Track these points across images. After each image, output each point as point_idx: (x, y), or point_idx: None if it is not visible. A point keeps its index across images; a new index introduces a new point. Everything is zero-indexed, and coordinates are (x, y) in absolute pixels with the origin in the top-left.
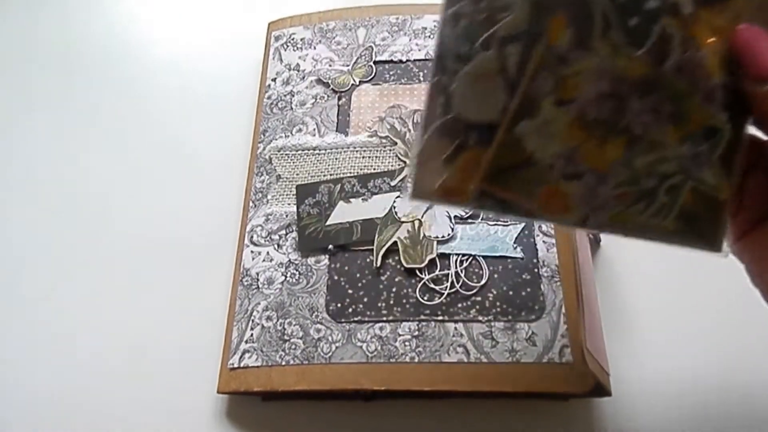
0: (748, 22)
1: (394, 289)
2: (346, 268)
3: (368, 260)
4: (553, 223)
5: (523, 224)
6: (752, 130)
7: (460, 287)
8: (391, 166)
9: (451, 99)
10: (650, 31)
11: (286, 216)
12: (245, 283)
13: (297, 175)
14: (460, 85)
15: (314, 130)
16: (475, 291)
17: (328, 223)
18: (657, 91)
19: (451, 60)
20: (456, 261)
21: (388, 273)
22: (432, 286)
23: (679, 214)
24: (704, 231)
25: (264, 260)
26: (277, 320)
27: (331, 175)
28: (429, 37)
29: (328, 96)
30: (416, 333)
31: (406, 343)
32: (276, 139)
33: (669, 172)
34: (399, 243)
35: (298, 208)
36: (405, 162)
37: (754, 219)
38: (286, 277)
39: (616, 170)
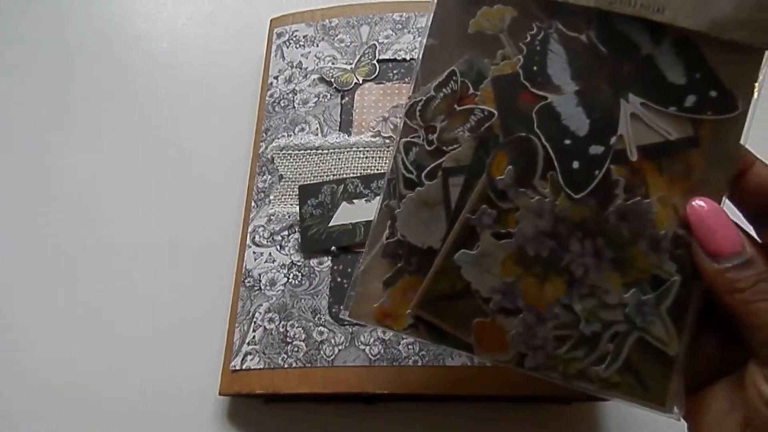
0: (700, 174)
1: None
2: (349, 270)
3: None
4: (489, 361)
5: None
6: None
7: None
8: None
9: (395, 222)
10: (593, 175)
11: (289, 216)
12: (247, 285)
13: (299, 175)
14: (405, 210)
15: (317, 129)
16: None
17: (330, 224)
18: (598, 236)
19: (401, 185)
20: None
21: None
22: None
23: (625, 366)
24: (652, 387)
25: (266, 261)
26: (280, 322)
27: (334, 175)
28: None
29: (330, 95)
30: None
31: (410, 347)
32: (278, 138)
33: (612, 319)
34: None
35: (300, 208)
36: None
37: (697, 381)
38: (288, 278)
39: (556, 311)
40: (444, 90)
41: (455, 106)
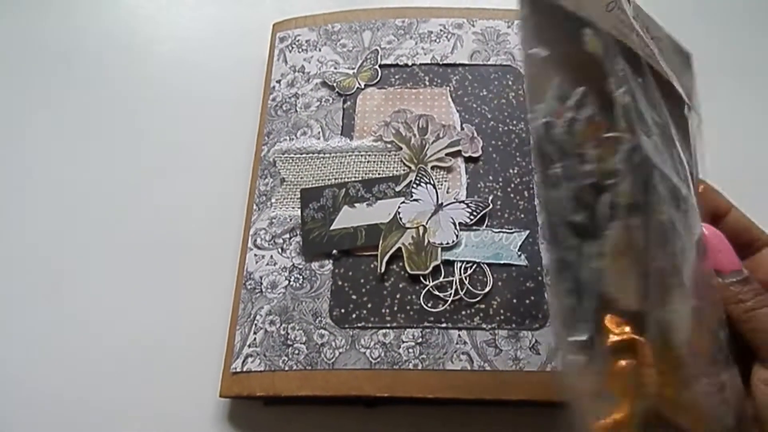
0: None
1: (398, 296)
2: (350, 273)
3: (372, 266)
4: None
5: (527, 231)
6: None
7: (464, 294)
8: (396, 171)
9: (579, 274)
10: None
11: (290, 220)
12: (248, 287)
13: (301, 178)
14: (606, 263)
15: (319, 133)
16: (479, 298)
17: (332, 227)
18: None
19: (562, 228)
20: (460, 268)
21: (392, 279)
22: (436, 293)
23: None
24: None
25: (267, 264)
26: (281, 325)
27: (335, 179)
28: (435, 41)
29: (333, 99)
30: (420, 340)
31: (410, 350)
32: (280, 142)
33: None
34: (403, 249)
35: (302, 212)
36: (410, 167)
37: None
38: (289, 281)
39: None
40: (584, 112)
41: (601, 133)
